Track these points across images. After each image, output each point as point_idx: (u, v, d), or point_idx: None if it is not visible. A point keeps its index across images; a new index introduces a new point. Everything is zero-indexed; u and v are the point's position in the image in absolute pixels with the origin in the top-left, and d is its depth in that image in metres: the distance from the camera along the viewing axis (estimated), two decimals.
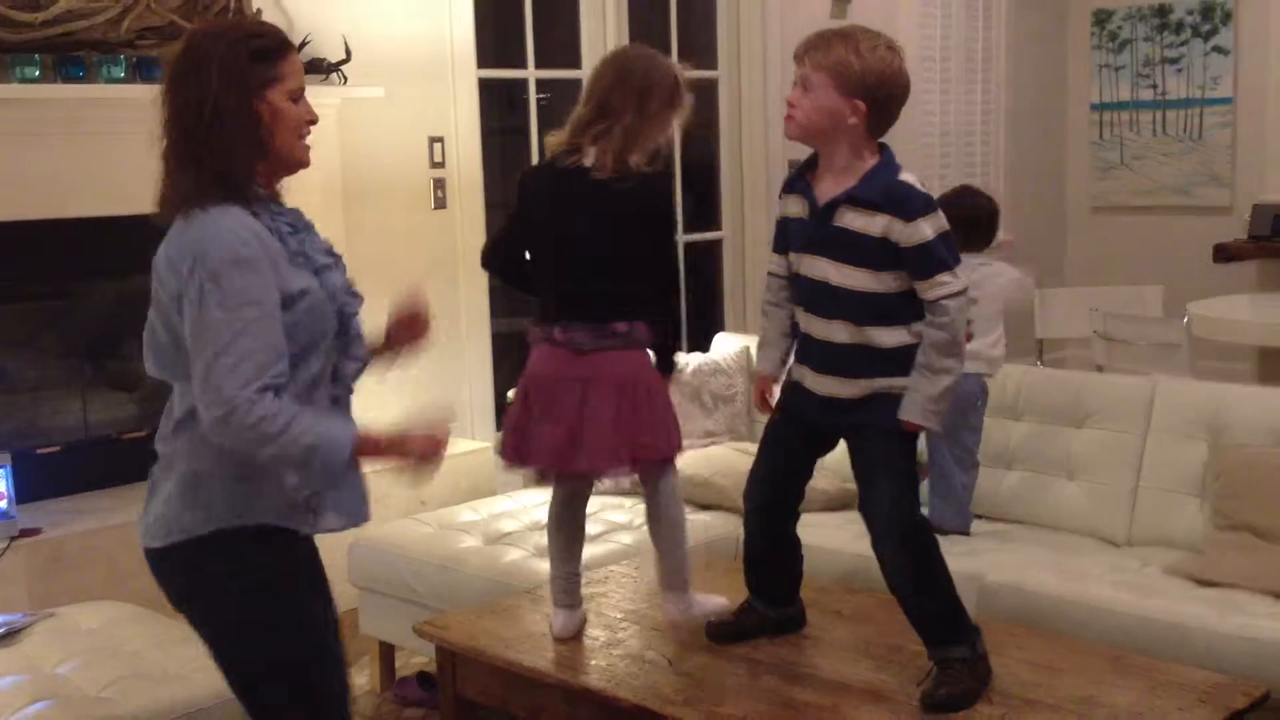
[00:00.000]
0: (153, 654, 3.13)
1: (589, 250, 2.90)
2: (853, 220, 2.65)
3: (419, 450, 2.36)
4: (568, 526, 3.10)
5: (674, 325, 3.14)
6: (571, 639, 3.04)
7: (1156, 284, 6.24)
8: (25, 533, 3.99)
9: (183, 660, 3.06)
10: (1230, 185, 7.63)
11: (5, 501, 3.97)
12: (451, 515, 4.13)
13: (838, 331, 2.69)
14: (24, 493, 4.08)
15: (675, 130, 3.02)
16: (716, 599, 3.08)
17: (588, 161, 2.88)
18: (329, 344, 2.37)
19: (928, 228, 2.60)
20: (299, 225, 2.40)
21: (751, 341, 4.63)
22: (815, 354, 2.74)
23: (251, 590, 2.37)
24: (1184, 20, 7.73)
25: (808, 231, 2.72)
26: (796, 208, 2.75)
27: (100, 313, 4.59)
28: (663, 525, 3.04)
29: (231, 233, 2.23)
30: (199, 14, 4.40)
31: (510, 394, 3.27)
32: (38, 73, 4.10)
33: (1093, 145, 8.14)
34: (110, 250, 4.39)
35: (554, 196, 2.96)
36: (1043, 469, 4.00)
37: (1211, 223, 7.52)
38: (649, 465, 2.98)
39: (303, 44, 4.58)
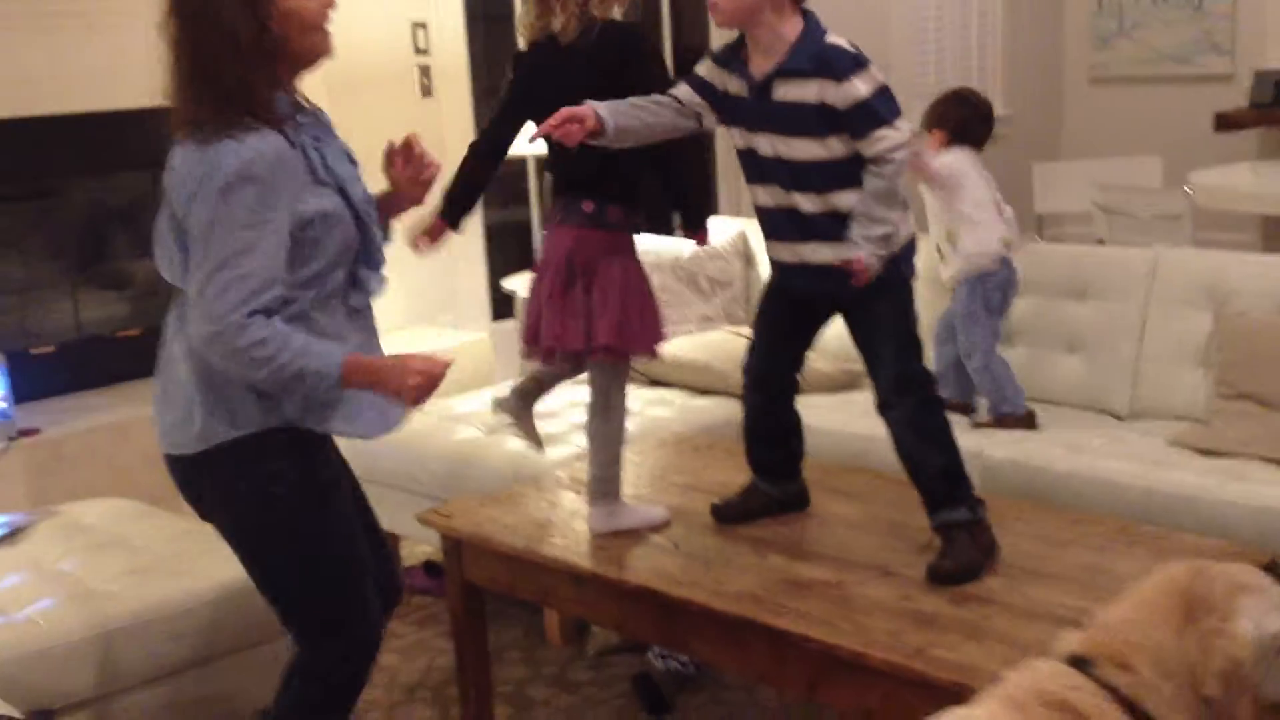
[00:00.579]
0: (156, 548, 3.14)
1: None
2: (788, 92, 2.60)
3: (412, 383, 2.34)
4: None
5: (690, 180, 3.00)
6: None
7: (1156, 155, 6.16)
8: (24, 432, 4.00)
9: (186, 553, 3.07)
10: (1231, 53, 7.50)
11: (3, 402, 3.96)
12: (450, 406, 4.12)
13: (802, 202, 2.65)
14: (21, 393, 4.07)
15: None
16: (654, 509, 3.00)
17: (555, 27, 2.82)
18: (352, 255, 2.37)
19: (861, 85, 2.55)
20: (323, 134, 2.38)
21: (748, 226, 4.58)
22: (786, 226, 2.70)
23: (280, 494, 2.38)
24: None
25: (751, 110, 2.66)
26: (735, 86, 2.70)
27: (86, 211, 4.55)
28: (596, 423, 2.97)
29: (251, 150, 2.21)
30: None
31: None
32: None
33: (1091, 15, 8.00)
34: (93, 147, 4.34)
35: (530, 74, 2.90)
36: (1044, 344, 3.97)
37: (1212, 91, 7.40)
38: (591, 357, 2.90)
39: None
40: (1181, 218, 5.02)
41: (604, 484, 2.97)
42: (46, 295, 4.46)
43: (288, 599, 2.49)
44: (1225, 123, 7.03)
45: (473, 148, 3.04)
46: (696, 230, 3.01)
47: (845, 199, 2.62)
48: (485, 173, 3.02)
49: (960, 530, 2.65)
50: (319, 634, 2.49)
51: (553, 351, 2.90)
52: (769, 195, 2.71)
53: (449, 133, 5.28)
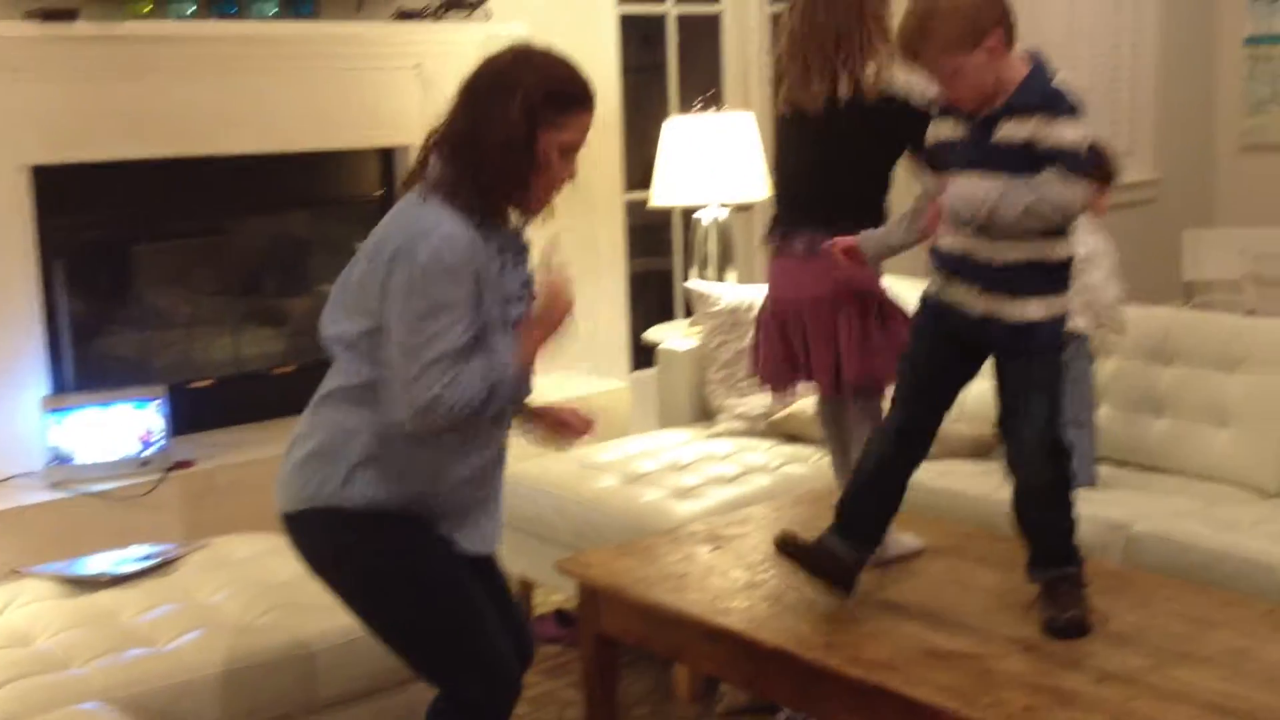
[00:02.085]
0: (303, 585, 3.17)
1: None
2: (1007, 131, 2.58)
3: (552, 320, 2.54)
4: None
5: None
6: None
7: None
8: (179, 464, 4.10)
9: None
10: None
11: (161, 433, 4.09)
12: (589, 454, 4.16)
13: (1005, 249, 2.62)
14: (178, 425, 4.20)
15: None
16: (910, 540, 3.07)
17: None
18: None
19: (1070, 131, 2.54)
20: (510, 248, 2.52)
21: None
22: (976, 274, 2.67)
23: (373, 564, 2.54)
24: None
25: (966, 150, 2.63)
26: (950, 130, 2.68)
27: (251, 249, 4.69)
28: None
29: (449, 237, 2.38)
30: None
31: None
32: (192, 9, 4.14)
33: (1244, 81, 7.85)
34: (261, 187, 4.48)
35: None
36: (1192, 416, 3.90)
37: None
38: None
39: None
40: None
41: None
42: (209, 330, 4.60)
43: (407, 649, 2.60)
44: None
45: None
46: None
47: (1042, 249, 2.61)
48: None
49: (1067, 583, 2.67)
50: (451, 677, 2.56)
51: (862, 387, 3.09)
52: (959, 242, 2.68)
53: (598, 181, 5.31)
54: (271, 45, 4.27)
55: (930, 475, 3.05)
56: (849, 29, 3.01)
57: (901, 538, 3.07)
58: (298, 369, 4.53)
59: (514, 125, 2.41)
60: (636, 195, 5.42)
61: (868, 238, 2.92)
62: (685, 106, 5.52)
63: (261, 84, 4.29)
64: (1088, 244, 3.70)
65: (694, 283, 4.86)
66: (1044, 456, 2.69)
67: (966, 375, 2.84)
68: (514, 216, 2.56)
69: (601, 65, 5.29)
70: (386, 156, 4.67)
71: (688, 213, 5.30)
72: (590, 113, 2.50)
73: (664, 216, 5.71)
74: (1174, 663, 2.52)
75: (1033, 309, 2.63)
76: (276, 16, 4.28)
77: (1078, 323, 3.65)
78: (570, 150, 2.49)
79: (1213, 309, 6.27)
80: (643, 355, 5.37)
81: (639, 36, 5.83)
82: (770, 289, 3.23)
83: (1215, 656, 2.54)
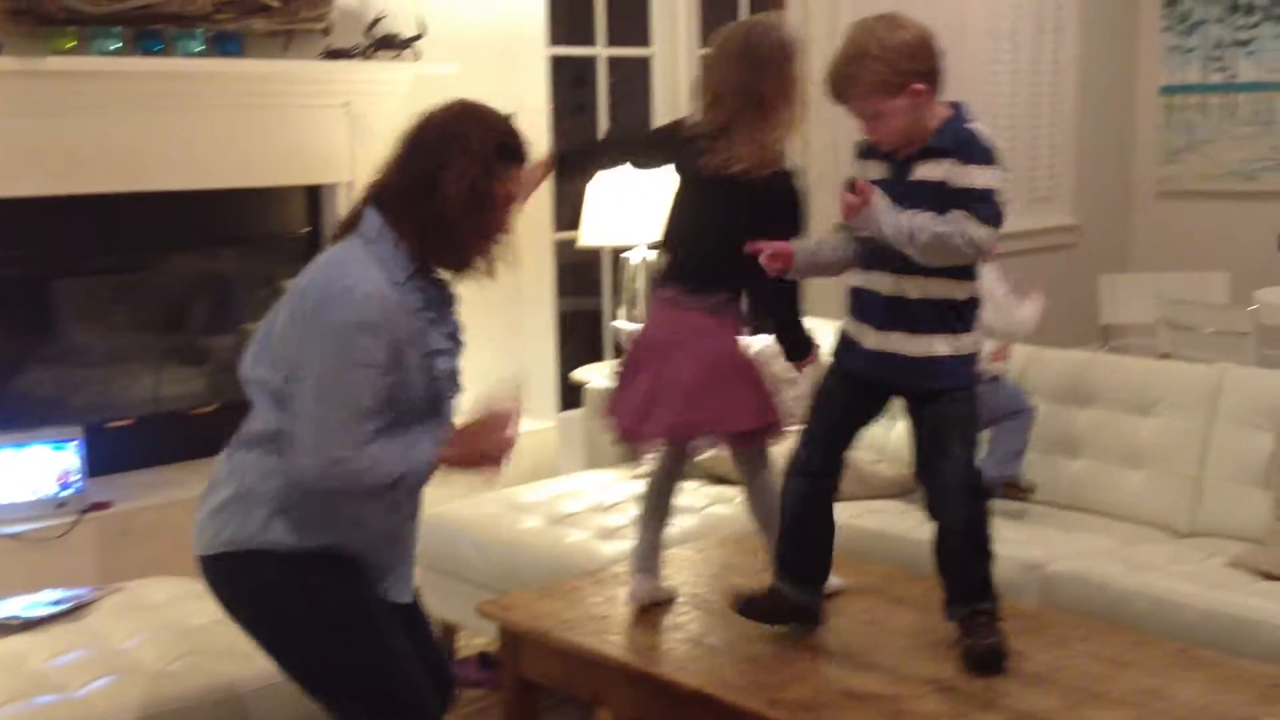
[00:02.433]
0: (218, 630, 3.14)
1: None
2: (924, 171, 2.67)
3: (489, 452, 2.54)
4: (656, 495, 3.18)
5: (794, 313, 3.17)
6: (644, 603, 3.10)
7: (1223, 271, 6.16)
8: (95, 506, 4.03)
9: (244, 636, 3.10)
10: None
11: (77, 475, 4.03)
12: (514, 495, 4.16)
13: (909, 288, 2.69)
14: (95, 466, 4.13)
15: None
16: (833, 580, 3.07)
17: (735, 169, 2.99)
18: (415, 420, 2.49)
19: (980, 175, 2.62)
20: (431, 304, 2.51)
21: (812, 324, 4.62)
22: (883, 312, 2.73)
23: (291, 606, 2.53)
24: (1255, 2, 7.60)
25: (889, 191, 2.69)
26: (875, 170, 2.74)
27: (173, 287, 4.64)
28: (763, 500, 3.11)
29: (366, 296, 2.37)
30: None
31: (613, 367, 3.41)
32: (117, 46, 4.11)
33: (1160, 129, 8.04)
34: (186, 224, 4.43)
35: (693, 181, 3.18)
36: (1107, 457, 3.97)
37: None
38: (766, 436, 3.08)
39: (376, 20, 4.61)
40: (1247, 335, 5.01)
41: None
42: (129, 369, 4.53)
43: (325, 692, 2.58)
44: None
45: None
46: (802, 358, 3.14)
47: (950, 289, 2.68)
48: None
49: (984, 616, 2.71)
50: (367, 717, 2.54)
51: (719, 435, 3.06)
52: (874, 280, 2.74)
53: (526, 221, 5.32)
54: (198, 82, 4.24)
55: (851, 515, 3.09)
56: (779, 102, 2.95)
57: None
58: (219, 408, 4.48)
59: (476, 177, 2.43)
60: (566, 235, 5.44)
61: (801, 246, 2.86)
62: None
63: (187, 121, 4.26)
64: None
65: (621, 322, 4.88)
66: (965, 495, 2.74)
67: (869, 415, 2.89)
68: (446, 273, 2.56)
69: (532, 106, 5.31)
70: (313, 194, 4.64)
71: (617, 252, 5.34)
72: (524, 166, 2.55)
73: (593, 256, 5.73)
74: (1087, 703, 2.56)
75: (937, 345, 2.69)
76: (203, 54, 4.26)
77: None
78: (511, 203, 2.52)
79: (1129, 353, 6.40)
80: (571, 395, 5.37)
81: (570, 78, 5.87)
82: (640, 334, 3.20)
83: (1127, 697, 2.59)
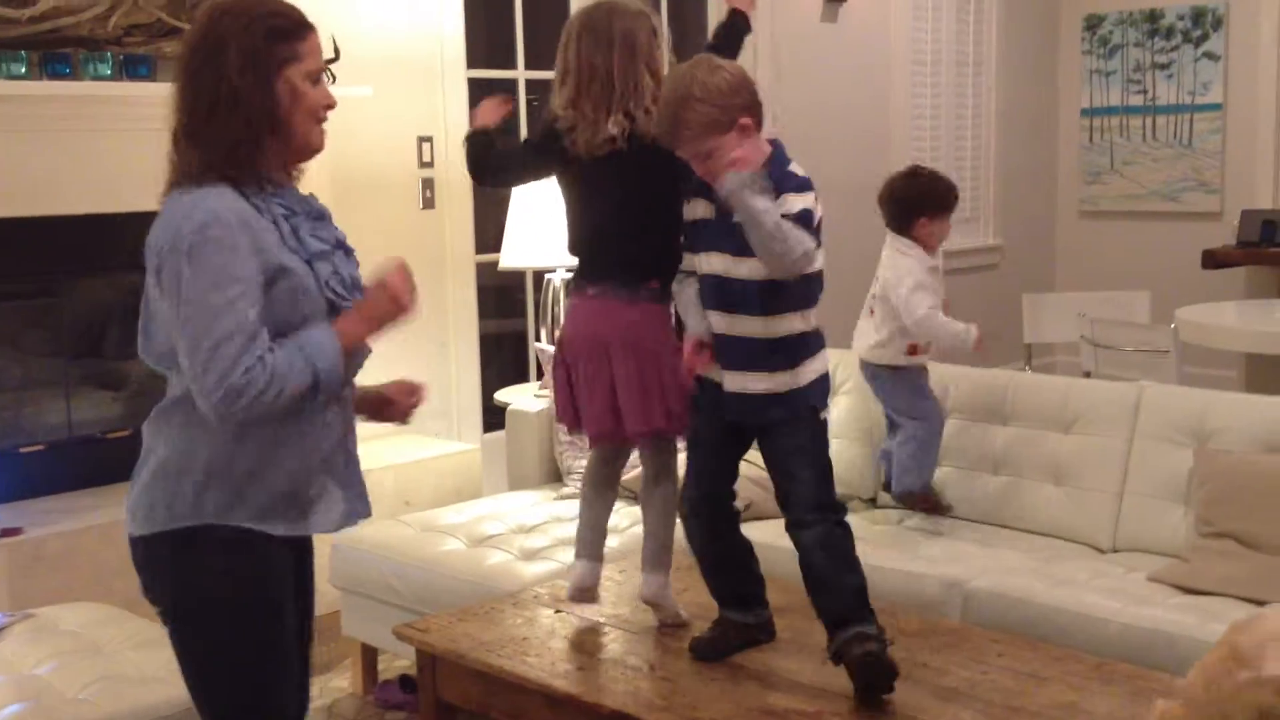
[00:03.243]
0: (132, 656, 3.11)
1: None
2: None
3: (388, 301, 2.35)
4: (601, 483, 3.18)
5: None
6: (587, 593, 3.11)
7: (1144, 290, 6.23)
8: (6, 532, 3.97)
9: (161, 663, 3.03)
10: (1219, 191, 7.63)
11: None
12: (435, 517, 4.12)
13: (741, 325, 2.75)
14: (6, 492, 4.07)
15: None
16: (681, 612, 3.09)
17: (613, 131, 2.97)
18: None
19: (798, 202, 2.67)
20: (299, 209, 2.35)
21: None
22: (723, 350, 2.79)
23: (216, 591, 2.34)
24: (1175, 26, 7.73)
25: (714, 231, 2.77)
26: (703, 210, 2.81)
27: (85, 311, 4.58)
28: (656, 490, 3.08)
29: (208, 211, 2.20)
30: (186, 11, 4.38)
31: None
32: (24, 69, 4.07)
33: (1082, 150, 8.15)
34: (96, 248, 4.38)
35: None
36: (1028, 474, 3.99)
37: (1200, 229, 7.52)
38: (667, 433, 3.04)
39: None
40: (1168, 353, 5.07)
41: (666, 555, 3.06)
42: (40, 393, 4.47)
43: (204, 682, 2.43)
44: (1213, 260, 7.13)
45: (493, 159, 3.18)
46: None
47: (786, 324, 2.74)
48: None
49: (872, 640, 2.67)
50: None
51: (638, 434, 3.00)
52: (713, 320, 2.80)
53: (450, 244, 5.35)
54: (107, 106, 4.20)
55: (771, 535, 3.07)
56: (625, 71, 2.94)
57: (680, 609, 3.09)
58: (134, 433, 4.37)
59: (236, 74, 2.23)
60: (488, 257, 5.42)
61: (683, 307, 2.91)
62: None
63: (97, 144, 4.21)
64: (897, 266, 3.95)
65: (544, 344, 4.86)
66: (818, 512, 2.76)
67: (739, 444, 2.93)
68: (292, 173, 2.41)
69: (453, 128, 5.29)
70: None
71: (539, 274, 5.32)
72: (316, 32, 2.36)
73: (517, 278, 5.71)
74: (1006, 718, 2.55)
75: (752, 383, 2.75)
76: (111, 77, 4.22)
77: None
78: (317, 74, 2.35)
79: (1053, 371, 6.46)
80: (495, 417, 5.34)
81: None
82: (561, 332, 3.17)
83: (1046, 711, 2.59)
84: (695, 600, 3.17)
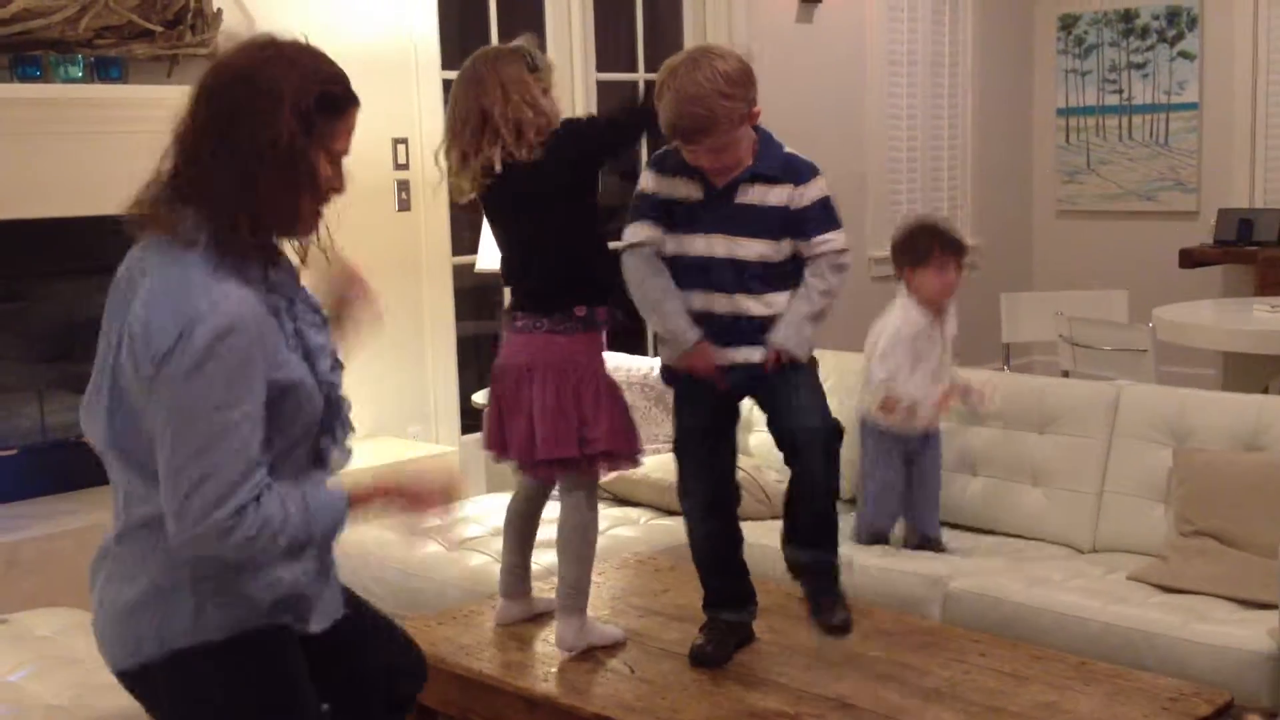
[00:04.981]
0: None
1: None
2: (755, 195, 2.72)
3: (411, 500, 2.23)
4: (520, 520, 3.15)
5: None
6: (511, 625, 3.10)
7: (1122, 289, 6.25)
8: None
9: None
10: (1196, 190, 7.66)
11: None
12: (414, 520, 4.08)
13: (742, 304, 2.74)
14: None
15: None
16: (612, 629, 3.02)
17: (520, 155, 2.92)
18: (316, 429, 2.10)
19: (819, 187, 2.73)
20: (294, 295, 2.10)
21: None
22: (721, 330, 2.76)
23: (243, 701, 2.10)
24: (1150, 25, 7.75)
25: (707, 213, 2.74)
26: (686, 190, 2.76)
27: (57, 315, 4.53)
28: (571, 535, 2.98)
29: (232, 316, 1.91)
30: (157, 13, 4.35)
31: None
32: None
33: (1059, 150, 8.16)
34: (67, 252, 4.33)
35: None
36: (1007, 475, 3.99)
37: (1177, 228, 7.54)
38: (591, 465, 2.95)
39: None
40: (1145, 352, 5.07)
41: (578, 598, 2.97)
42: (13, 398, 4.43)
43: None
44: (1190, 259, 7.15)
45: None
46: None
47: (783, 299, 2.75)
48: None
49: (827, 579, 2.78)
50: None
51: (548, 463, 2.91)
52: (706, 300, 2.77)
53: (426, 247, 5.32)
54: (78, 109, 4.16)
55: (755, 534, 3.07)
56: (490, 104, 2.87)
57: (605, 628, 3.04)
58: None
59: (291, 138, 1.96)
60: (464, 259, 5.40)
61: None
62: None
63: (68, 148, 4.17)
64: (885, 318, 3.81)
65: None
66: (824, 446, 2.77)
67: (729, 423, 2.92)
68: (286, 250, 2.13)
69: (428, 130, 5.26)
70: None
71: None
72: (357, 111, 2.11)
73: (493, 280, 5.68)
74: (987, 717, 2.55)
75: (756, 354, 2.75)
76: (83, 80, 4.18)
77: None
78: (340, 158, 2.08)
79: (1031, 370, 6.47)
80: (473, 419, 5.32)
81: None
82: (495, 362, 3.09)
83: (1027, 711, 2.58)
84: (674, 602, 3.16)
